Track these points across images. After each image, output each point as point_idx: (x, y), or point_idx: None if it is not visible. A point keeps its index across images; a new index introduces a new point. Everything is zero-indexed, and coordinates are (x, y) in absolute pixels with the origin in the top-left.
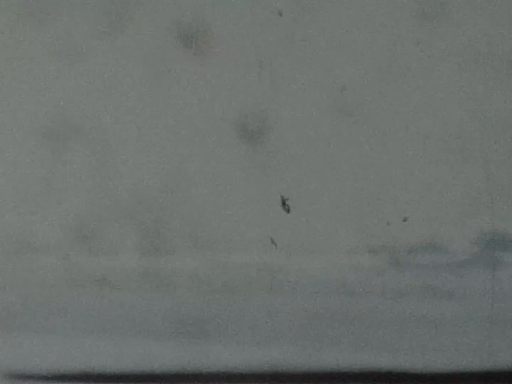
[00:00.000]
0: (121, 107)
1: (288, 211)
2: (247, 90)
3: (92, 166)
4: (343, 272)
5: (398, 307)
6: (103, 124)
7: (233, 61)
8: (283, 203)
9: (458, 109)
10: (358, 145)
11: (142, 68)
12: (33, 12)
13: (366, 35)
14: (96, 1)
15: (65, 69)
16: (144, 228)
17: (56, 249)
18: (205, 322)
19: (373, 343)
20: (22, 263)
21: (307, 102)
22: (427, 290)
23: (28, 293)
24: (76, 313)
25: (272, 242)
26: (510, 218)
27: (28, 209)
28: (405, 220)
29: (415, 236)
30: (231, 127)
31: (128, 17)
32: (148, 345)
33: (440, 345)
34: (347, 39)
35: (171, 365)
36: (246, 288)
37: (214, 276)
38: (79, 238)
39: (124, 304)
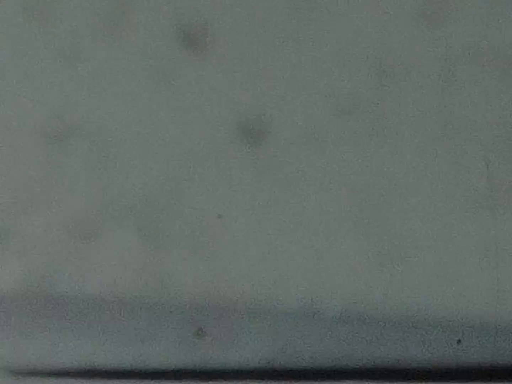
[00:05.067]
0: (121, 107)
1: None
2: (248, 90)
3: (92, 166)
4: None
5: None
6: (103, 123)
7: (233, 61)
8: None
9: (459, 107)
10: (358, 145)
11: (142, 68)
12: (33, 12)
13: (366, 35)
14: (96, 1)
15: (65, 68)
16: (144, 228)
17: (56, 248)
18: (205, 321)
19: None
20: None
21: (307, 102)
22: None
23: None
24: (74, 310)
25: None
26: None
27: (28, 209)
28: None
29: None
30: (231, 126)
31: (128, 17)
32: (148, 343)
33: None
34: (348, 39)
35: (171, 363)
36: (247, 288)
37: (214, 277)
38: (79, 238)
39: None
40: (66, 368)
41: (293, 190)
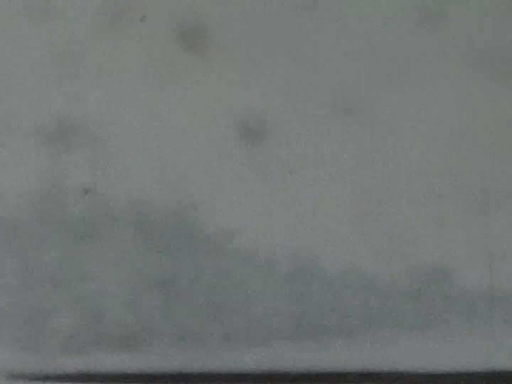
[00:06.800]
0: (121, 106)
1: None
2: (248, 90)
3: (92, 166)
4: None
5: None
6: (104, 124)
7: (233, 61)
8: None
9: (458, 109)
10: (357, 146)
11: (142, 68)
12: (33, 12)
13: (367, 35)
14: (96, 2)
15: (66, 69)
16: (144, 227)
17: (56, 246)
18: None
19: None
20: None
21: (307, 102)
22: None
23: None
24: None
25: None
26: (504, 223)
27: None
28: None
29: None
30: (232, 126)
31: (129, 17)
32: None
33: None
34: (348, 39)
35: (172, 365)
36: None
37: (214, 275)
38: (80, 237)
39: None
40: (63, 371)
41: (292, 189)
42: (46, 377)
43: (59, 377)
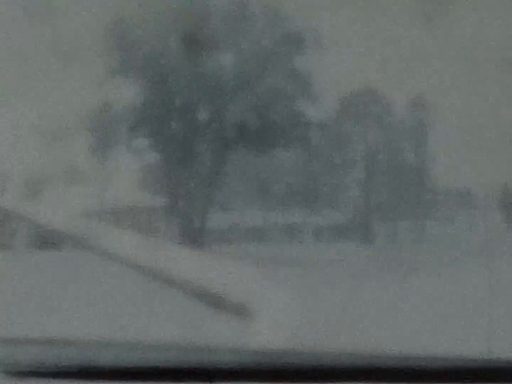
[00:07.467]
0: (121, 105)
1: None
2: (248, 90)
3: (91, 164)
4: None
5: None
6: (103, 122)
7: (233, 61)
8: None
9: (458, 107)
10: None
11: (143, 68)
12: (34, 12)
13: (367, 35)
14: (97, 2)
15: (66, 69)
16: (143, 226)
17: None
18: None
19: None
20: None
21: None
22: None
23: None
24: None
25: None
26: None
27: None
28: None
29: None
30: (232, 127)
31: (129, 17)
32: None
33: None
34: (349, 39)
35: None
36: None
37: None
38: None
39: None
40: (62, 369)
41: None
42: (47, 374)
43: (59, 374)
